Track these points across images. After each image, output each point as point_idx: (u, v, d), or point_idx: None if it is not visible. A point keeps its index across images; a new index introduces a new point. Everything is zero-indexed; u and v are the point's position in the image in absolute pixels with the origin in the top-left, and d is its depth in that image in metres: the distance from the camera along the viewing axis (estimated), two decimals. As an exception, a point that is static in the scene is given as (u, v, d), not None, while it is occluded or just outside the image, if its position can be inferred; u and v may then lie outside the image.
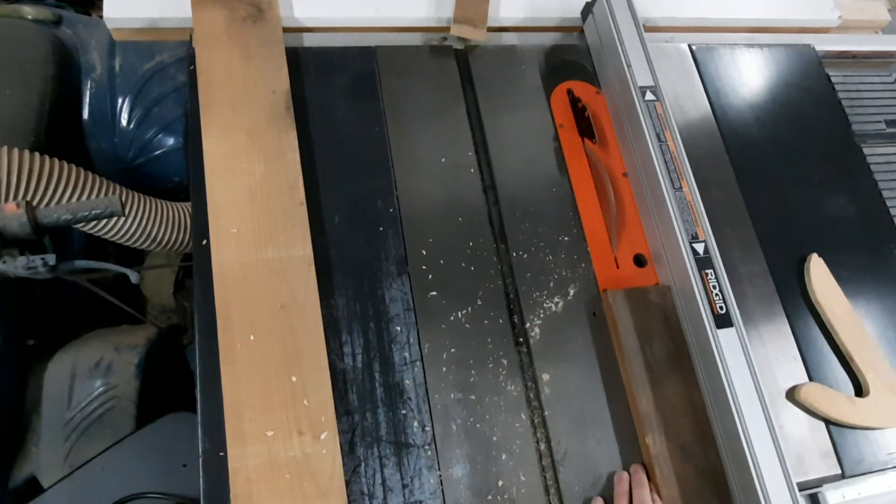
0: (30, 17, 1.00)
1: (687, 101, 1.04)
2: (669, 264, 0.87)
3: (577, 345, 0.82)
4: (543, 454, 0.76)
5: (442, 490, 0.72)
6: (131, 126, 1.03)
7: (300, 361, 0.72)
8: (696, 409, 0.80)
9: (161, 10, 0.94)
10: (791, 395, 0.85)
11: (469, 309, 0.81)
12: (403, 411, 0.75)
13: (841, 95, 1.12)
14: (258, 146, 0.81)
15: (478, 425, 0.76)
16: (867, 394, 0.86)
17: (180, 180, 1.09)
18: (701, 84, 1.06)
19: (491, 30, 1.00)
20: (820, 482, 0.81)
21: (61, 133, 0.98)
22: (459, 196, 0.88)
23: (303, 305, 0.74)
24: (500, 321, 0.82)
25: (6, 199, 0.81)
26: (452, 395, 0.76)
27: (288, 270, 0.75)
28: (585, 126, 0.97)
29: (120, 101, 1.02)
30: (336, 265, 0.80)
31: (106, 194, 0.91)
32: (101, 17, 0.95)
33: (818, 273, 0.92)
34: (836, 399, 0.84)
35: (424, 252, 0.83)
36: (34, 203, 0.84)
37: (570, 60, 1.04)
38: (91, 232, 0.96)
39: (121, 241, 0.98)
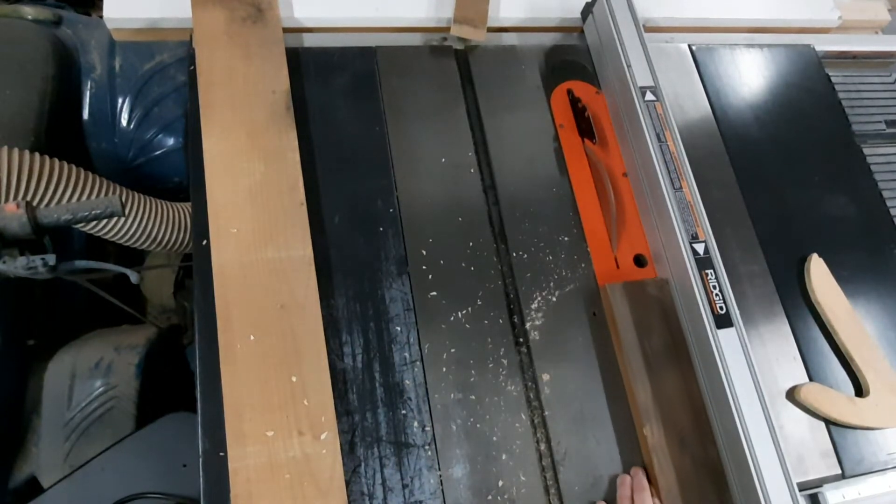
0: (30, 17, 1.00)
1: (687, 101, 1.04)
2: (669, 264, 0.87)
3: (577, 345, 0.82)
4: (543, 454, 0.76)
5: (442, 490, 0.72)
6: (131, 126, 1.03)
7: (300, 361, 0.72)
8: (693, 402, 0.80)
9: (161, 11, 0.94)
10: (791, 395, 0.85)
11: (469, 309, 0.81)
12: (403, 411, 0.75)
13: (841, 95, 1.12)
14: (258, 146, 0.81)
15: (478, 425, 0.76)
16: (867, 394, 0.86)
17: (180, 180, 1.09)
18: (701, 84, 1.06)
19: (491, 30, 1.00)
20: (820, 482, 0.81)
21: (61, 133, 0.98)
22: (459, 196, 0.88)
23: (303, 305, 0.74)
24: (500, 321, 0.82)
25: (6, 199, 0.81)
26: (452, 395, 0.76)
27: (288, 270, 0.75)
28: (585, 126, 0.97)
29: (120, 101, 1.02)
30: (336, 265, 0.80)
31: (106, 194, 0.91)
32: (101, 17, 0.95)
33: (818, 273, 0.92)
34: (836, 399, 0.84)
35: (424, 252, 0.83)
36: (34, 203, 0.84)
37: (570, 60, 1.04)
38: (91, 232, 0.96)
39: (121, 241, 0.98)
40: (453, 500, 0.72)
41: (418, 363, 0.77)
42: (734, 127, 1.03)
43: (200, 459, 0.68)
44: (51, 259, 0.72)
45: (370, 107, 0.91)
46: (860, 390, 0.87)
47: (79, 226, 0.91)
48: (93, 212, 0.73)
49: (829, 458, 0.82)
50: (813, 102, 1.10)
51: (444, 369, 0.77)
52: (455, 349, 0.79)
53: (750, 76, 1.09)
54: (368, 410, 0.74)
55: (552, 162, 0.94)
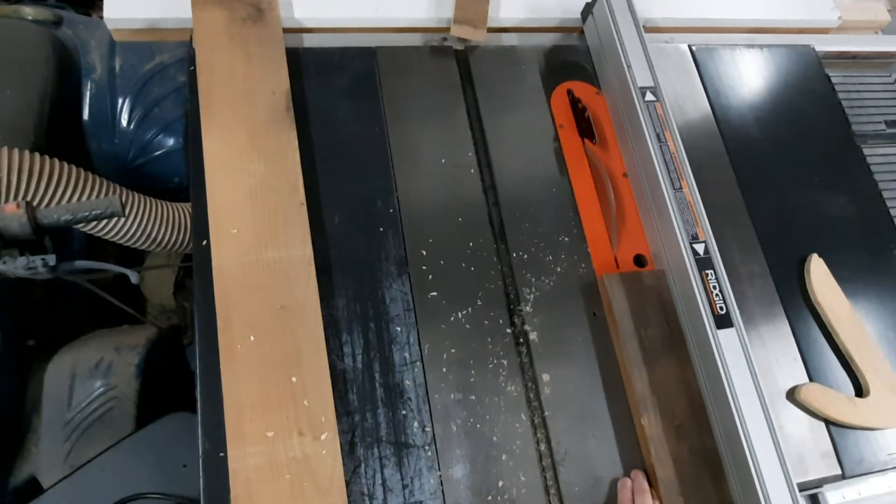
0: (30, 17, 1.00)
1: (687, 101, 1.04)
2: (669, 264, 0.87)
3: (577, 345, 0.82)
4: (543, 454, 0.76)
5: (442, 490, 0.72)
6: (131, 126, 1.03)
7: (300, 362, 0.72)
8: (690, 391, 0.81)
9: (161, 11, 0.93)
10: (791, 395, 0.85)
11: (469, 309, 0.81)
12: (403, 412, 0.75)
13: (841, 96, 1.12)
14: (258, 146, 0.81)
15: (478, 426, 0.76)
16: (867, 394, 0.86)
17: (180, 180, 1.09)
18: (701, 84, 1.06)
19: (491, 30, 1.00)
20: (820, 482, 0.81)
21: (61, 133, 0.98)
22: (459, 196, 0.88)
23: (303, 305, 0.74)
24: (500, 321, 0.82)
25: (6, 199, 0.82)
26: (452, 396, 0.76)
27: (288, 270, 0.75)
28: (585, 126, 0.97)
29: (120, 101, 1.02)
30: (336, 265, 0.80)
31: (106, 194, 0.91)
32: (101, 17, 0.95)
33: (818, 273, 0.92)
34: (836, 399, 0.84)
35: (424, 252, 0.83)
36: (34, 203, 0.84)
37: (570, 61, 1.04)
38: (91, 232, 0.96)
39: (121, 242, 0.98)
40: (453, 501, 0.72)
41: (418, 363, 0.77)
42: (734, 127, 1.03)
43: (200, 459, 0.68)
44: (51, 259, 0.72)
45: (370, 107, 0.91)
46: (860, 390, 0.87)
47: (79, 226, 0.91)
48: (93, 212, 0.73)
49: (829, 459, 0.82)
50: (813, 102, 1.10)
51: (444, 369, 0.77)
52: (455, 349, 0.79)
53: (750, 76, 1.09)
54: (368, 411, 0.74)
55: (552, 162, 0.94)
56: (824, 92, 1.12)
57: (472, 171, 0.90)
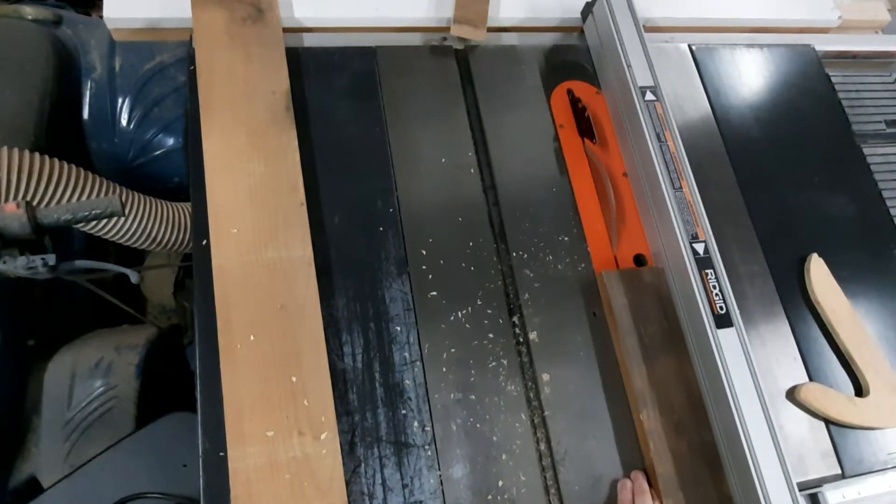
0: (30, 17, 1.00)
1: (687, 101, 1.04)
2: (669, 264, 0.87)
3: (577, 345, 0.82)
4: (543, 454, 0.76)
5: (442, 490, 0.72)
6: (131, 126, 1.03)
7: (300, 361, 0.72)
8: (689, 387, 0.81)
9: (161, 11, 0.93)
10: (791, 395, 0.85)
11: (469, 309, 0.81)
12: (403, 411, 0.75)
13: (841, 95, 1.12)
14: (258, 146, 0.81)
15: (478, 425, 0.76)
16: (867, 394, 0.86)
17: (180, 180, 1.09)
18: (701, 84, 1.06)
19: (491, 30, 1.00)
20: (820, 482, 0.81)
21: (61, 133, 0.98)
22: (459, 196, 0.88)
23: (303, 305, 0.74)
24: (500, 321, 0.82)
25: (6, 199, 0.81)
26: (452, 396, 0.76)
27: (288, 270, 0.75)
28: (585, 126, 0.97)
29: (120, 101, 1.02)
30: (336, 265, 0.80)
31: (106, 194, 0.91)
32: (101, 17, 0.95)
33: (818, 273, 0.92)
34: (836, 399, 0.84)
35: (424, 252, 0.83)
36: (34, 203, 0.84)
37: (570, 60, 1.04)
38: (91, 232, 0.96)
39: (121, 241, 0.98)
40: (453, 500, 0.72)
41: (418, 363, 0.77)
42: (734, 127, 1.03)
43: (200, 459, 0.68)
44: (51, 259, 0.72)
45: (370, 107, 0.91)
46: (860, 390, 0.87)
47: (79, 226, 0.91)
48: (93, 212, 0.73)
49: (829, 458, 0.82)
50: (813, 102, 1.10)
51: (444, 369, 0.77)
52: (455, 349, 0.79)
53: (750, 76, 1.09)
54: (368, 410, 0.74)
55: (552, 162, 0.94)
56: (824, 92, 1.12)
57: (472, 171, 0.90)
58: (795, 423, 0.84)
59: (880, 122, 1.13)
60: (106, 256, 1.22)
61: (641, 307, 0.84)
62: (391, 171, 0.87)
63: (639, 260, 0.90)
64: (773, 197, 0.99)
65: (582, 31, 1.08)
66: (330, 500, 0.67)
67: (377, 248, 0.82)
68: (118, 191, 0.93)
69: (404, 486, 0.71)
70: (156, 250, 1.03)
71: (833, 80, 1.13)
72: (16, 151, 0.82)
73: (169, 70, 1.01)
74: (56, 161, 0.86)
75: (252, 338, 0.71)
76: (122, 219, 0.94)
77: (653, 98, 0.93)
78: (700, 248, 0.83)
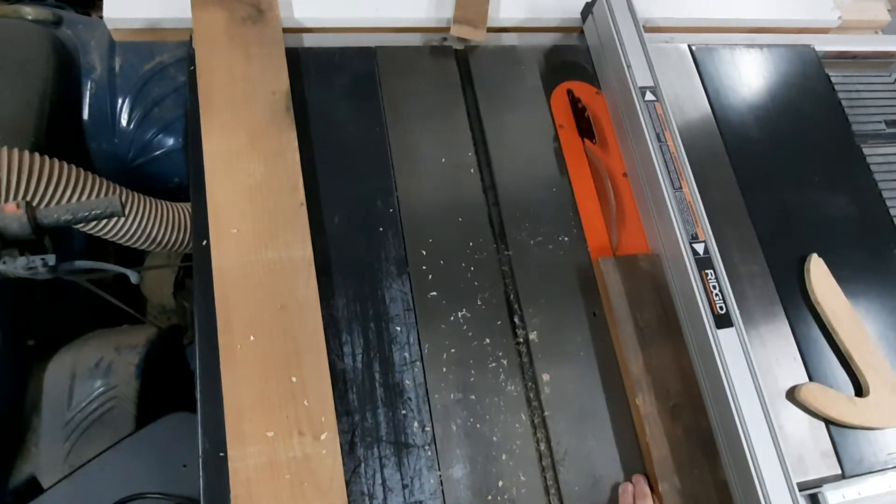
0: (30, 17, 1.00)
1: (687, 101, 1.04)
2: (669, 264, 0.87)
3: (577, 345, 0.82)
4: (543, 454, 0.76)
5: (442, 490, 0.72)
6: (131, 126, 1.03)
7: (300, 362, 0.72)
8: (685, 373, 0.82)
9: (161, 11, 0.94)
10: (791, 395, 0.85)
11: (469, 309, 0.81)
12: (403, 411, 0.75)
13: (841, 96, 1.12)
14: (258, 147, 0.81)
15: (478, 425, 0.76)
16: (867, 394, 0.86)
17: (180, 180, 1.09)
18: (701, 84, 1.06)
19: (491, 30, 1.00)
20: (820, 482, 0.81)
21: (61, 133, 0.98)
22: (459, 196, 0.88)
23: (303, 305, 0.74)
24: (500, 321, 0.82)
25: (6, 199, 0.81)
26: (452, 396, 0.76)
27: (288, 271, 0.75)
28: (585, 126, 0.97)
29: (120, 101, 1.02)
30: (336, 265, 0.80)
31: (106, 194, 0.91)
32: (101, 17, 0.95)
33: (818, 273, 0.92)
34: (836, 399, 0.84)
35: (424, 252, 0.83)
36: (34, 203, 0.84)
37: (570, 61, 1.04)
38: (91, 232, 0.96)
39: (121, 242, 0.98)
40: (453, 501, 0.72)
41: (418, 363, 0.77)
42: (734, 127, 1.03)
43: (200, 459, 0.68)
44: (51, 259, 0.72)
45: (370, 107, 0.91)
46: (860, 390, 0.87)
47: (79, 226, 0.91)
48: (93, 212, 0.73)
49: (829, 458, 0.82)
50: (813, 102, 1.10)
51: (444, 369, 0.77)
52: (455, 349, 0.79)
53: (750, 76, 1.09)
54: (368, 410, 0.74)
55: (552, 162, 0.94)
56: (824, 92, 1.12)
57: (472, 171, 0.90)
58: (795, 423, 0.83)
59: (880, 122, 1.13)
60: (106, 256, 1.22)
61: (638, 294, 0.84)
62: (391, 171, 0.87)
63: (639, 260, 0.90)
64: (773, 197, 0.99)
65: (582, 32, 1.08)
66: (330, 500, 0.67)
67: (377, 248, 0.82)
68: (118, 191, 0.93)
69: (404, 487, 0.71)
70: (156, 250, 1.03)
71: (833, 80, 1.13)
72: (16, 151, 0.82)
73: (169, 70, 1.01)
74: (56, 161, 0.86)
75: (252, 338, 0.71)
76: (122, 219, 0.94)
77: (653, 98, 0.93)
78: (700, 248, 0.83)
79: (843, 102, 1.12)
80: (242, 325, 0.72)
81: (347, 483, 0.69)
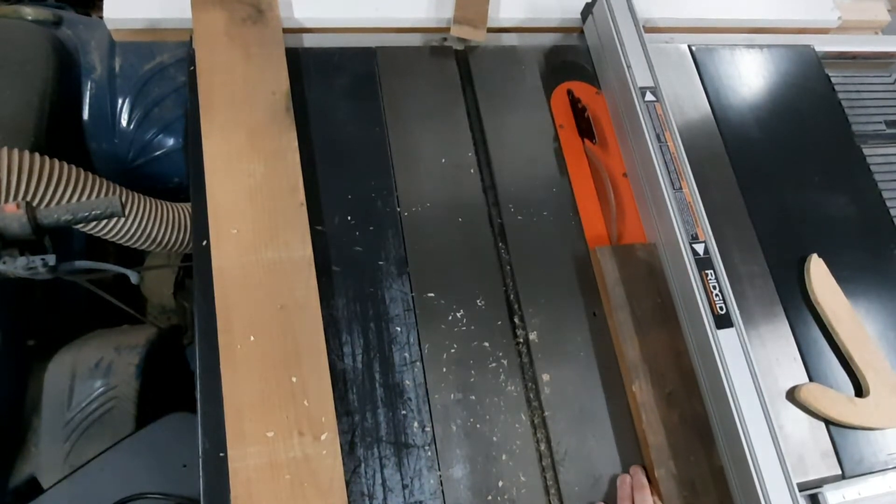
0: (30, 17, 1.00)
1: (687, 101, 1.04)
2: (669, 264, 0.87)
3: (577, 345, 0.82)
4: (543, 454, 0.76)
5: (442, 490, 0.72)
6: (131, 127, 1.03)
7: (300, 362, 0.72)
8: (681, 361, 0.82)
9: (161, 11, 0.94)
10: (791, 395, 0.85)
11: (469, 309, 0.81)
12: (403, 412, 0.75)
13: (841, 96, 1.12)
14: (258, 147, 0.81)
15: (478, 426, 0.76)
16: (867, 394, 0.86)
17: (180, 180, 1.09)
18: (701, 84, 1.06)
19: (491, 30, 1.00)
20: (820, 482, 0.81)
21: (61, 133, 0.98)
22: (459, 196, 0.88)
23: (303, 306, 0.74)
24: (500, 321, 0.82)
25: (6, 200, 0.82)
26: (452, 396, 0.76)
27: (288, 271, 0.75)
28: (585, 126, 0.97)
29: (120, 101, 1.02)
30: (336, 265, 0.80)
31: (106, 194, 0.91)
32: (101, 17, 0.95)
33: (818, 273, 0.92)
34: (836, 399, 0.84)
35: (424, 252, 0.83)
36: (34, 203, 0.84)
37: (570, 61, 1.04)
38: (91, 232, 0.96)
39: (121, 242, 0.98)
40: (453, 501, 0.72)
41: (418, 363, 0.77)
42: (734, 127, 1.03)
43: (200, 459, 0.68)
44: (51, 259, 0.72)
45: (370, 107, 0.91)
46: (860, 390, 0.87)
47: (79, 226, 0.91)
48: (93, 212, 0.73)
49: (829, 459, 0.82)
50: (813, 102, 1.10)
51: (444, 369, 0.77)
52: (455, 349, 0.79)
53: (750, 76, 1.09)
54: (368, 411, 0.74)
55: (552, 162, 0.94)
56: (824, 92, 1.12)
57: (472, 171, 0.90)
58: (795, 423, 0.84)
59: (880, 122, 1.13)
60: (106, 256, 1.22)
61: (634, 282, 0.85)
62: (391, 171, 0.87)
63: (639, 260, 0.90)
64: (773, 197, 0.99)
65: (582, 32, 1.08)
66: (330, 500, 0.67)
67: (377, 248, 0.82)
68: (118, 191, 0.93)
69: (404, 487, 0.71)
70: (156, 250, 1.03)
71: (833, 80, 1.13)
72: (16, 152, 0.82)
73: (169, 70, 1.01)
74: (56, 161, 0.86)
75: (252, 338, 0.71)
76: (122, 219, 0.94)
77: (653, 98, 0.93)
78: (700, 248, 0.83)
79: (843, 103, 1.12)
80: (242, 326, 0.72)
81: (347, 483, 0.69)
